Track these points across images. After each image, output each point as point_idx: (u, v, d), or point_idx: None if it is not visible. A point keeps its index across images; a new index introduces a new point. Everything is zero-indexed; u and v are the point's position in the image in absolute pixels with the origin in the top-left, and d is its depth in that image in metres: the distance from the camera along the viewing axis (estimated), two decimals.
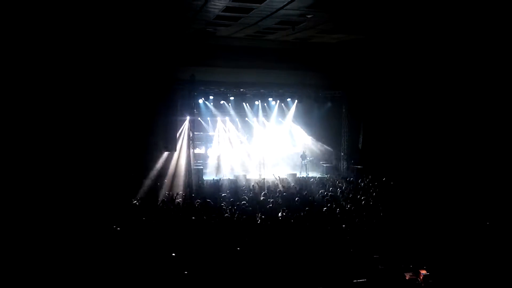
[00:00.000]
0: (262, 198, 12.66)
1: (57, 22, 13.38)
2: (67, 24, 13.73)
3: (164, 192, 14.89)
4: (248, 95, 19.76)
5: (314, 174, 20.48)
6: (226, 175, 19.06)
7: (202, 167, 19.34)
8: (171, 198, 12.99)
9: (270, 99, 20.69)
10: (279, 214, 10.66)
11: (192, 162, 18.26)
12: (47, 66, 14.59)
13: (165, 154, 17.87)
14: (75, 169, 14.84)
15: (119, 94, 16.30)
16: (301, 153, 20.93)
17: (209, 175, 18.85)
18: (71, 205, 11.03)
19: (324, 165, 21.14)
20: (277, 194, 13.47)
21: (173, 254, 7.49)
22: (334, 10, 12.00)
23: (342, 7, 11.64)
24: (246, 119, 21.38)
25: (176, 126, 18.43)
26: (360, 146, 19.78)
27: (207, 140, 21.37)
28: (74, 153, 15.23)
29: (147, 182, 16.00)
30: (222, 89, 18.97)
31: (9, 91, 13.73)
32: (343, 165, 20.27)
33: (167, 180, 16.80)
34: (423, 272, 6.92)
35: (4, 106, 13.64)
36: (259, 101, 20.86)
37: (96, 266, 6.90)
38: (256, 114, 21.48)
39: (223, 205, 11.69)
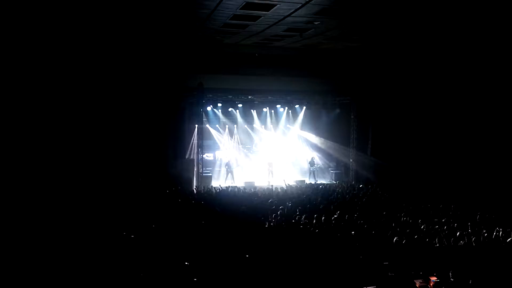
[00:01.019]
0: (269, 205, 12.63)
1: (69, 32, 13.63)
2: (79, 34, 13.96)
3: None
4: (256, 102, 19.81)
5: (322, 180, 20.44)
6: (234, 182, 19.09)
7: (210, 174, 19.41)
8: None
9: (278, 106, 20.72)
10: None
11: (200, 169, 18.35)
12: (57, 75, 14.93)
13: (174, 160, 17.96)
14: (83, 174, 15.04)
15: (128, 102, 16.47)
16: (310, 160, 20.90)
17: (218, 183, 18.88)
18: (78, 207, 11.20)
19: (333, 171, 21.08)
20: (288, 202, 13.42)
21: (186, 263, 7.51)
22: (341, 17, 12.02)
23: (350, 13, 11.67)
24: (254, 126, 21.42)
25: (184, 133, 18.54)
26: (368, 152, 19.69)
27: (215, 148, 21.46)
28: (83, 159, 15.44)
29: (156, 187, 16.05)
30: (230, 96, 19.05)
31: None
32: (352, 171, 20.17)
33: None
34: (433, 279, 6.85)
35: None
36: (267, 108, 20.90)
37: (100, 268, 6.96)
38: (264, 121, 21.52)
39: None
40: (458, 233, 9.21)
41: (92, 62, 15.51)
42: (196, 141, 19.11)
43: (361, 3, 10.66)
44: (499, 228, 9.39)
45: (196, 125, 18.92)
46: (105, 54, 15.61)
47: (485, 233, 9.11)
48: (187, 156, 18.93)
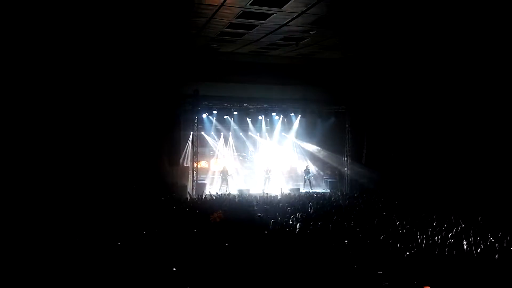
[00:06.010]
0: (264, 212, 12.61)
1: (67, 38, 13.64)
2: (76, 40, 13.98)
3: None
4: (252, 110, 19.84)
5: (317, 189, 20.44)
6: (229, 189, 19.05)
7: (205, 182, 19.36)
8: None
9: (273, 114, 20.76)
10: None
11: (195, 176, 18.31)
12: (54, 80, 14.95)
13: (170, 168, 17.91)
14: (78, 179, 14.98)
15: (123, 108, 16.45)
16: (305, 168, 20.92)
17: (213, 190, 18.83)
18: (73, 213, 11.16)
19: (328, 180, 21.10)
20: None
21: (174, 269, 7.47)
22: (337, 27, 12.12)
23: (345, 24, 11.77)
24: (250, 134, 21.44)
25: (179, 140, 18.51)
26: (363, 161, 19.74)
27: (210, 155, 21.43)
28: (78, 165, 15.39)
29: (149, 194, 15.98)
30: (225, 104, 19.07)
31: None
32: (347, 180, 20.20)
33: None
34: None
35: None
36: (263, 116, 20.94)
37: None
38: (259, 129, 21.54)
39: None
40: (452, 242, 9.23)
41: (89, 69, 15.53)
42: (190, 148, 19.10)
43: (357, 13, 10.78)
44: (493, 239, 9.42)
45: (191, 132, 18.92)
46: (101, 61, 15.62)
47: (480, 242, 9.13)
48: (181, 163, 18.89)
